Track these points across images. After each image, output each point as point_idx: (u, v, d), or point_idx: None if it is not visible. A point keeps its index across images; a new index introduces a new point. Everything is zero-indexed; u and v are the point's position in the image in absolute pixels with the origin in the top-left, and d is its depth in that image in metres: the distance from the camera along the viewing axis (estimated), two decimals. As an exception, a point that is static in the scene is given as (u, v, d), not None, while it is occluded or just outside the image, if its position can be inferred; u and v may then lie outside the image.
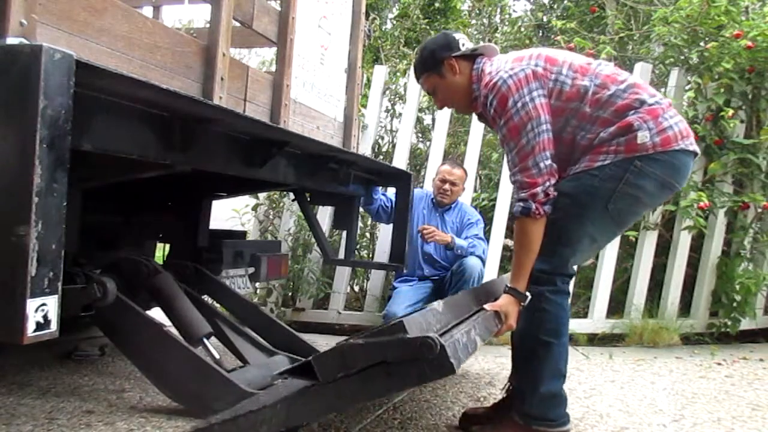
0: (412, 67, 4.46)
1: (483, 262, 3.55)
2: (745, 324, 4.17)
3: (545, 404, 1.88)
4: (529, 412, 1.89)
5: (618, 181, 1.78)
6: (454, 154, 4.83)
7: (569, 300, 1.94)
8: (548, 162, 1.79)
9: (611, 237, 2.10)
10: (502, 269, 4.39)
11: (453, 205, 3.71)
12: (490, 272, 4.06)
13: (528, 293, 1.83)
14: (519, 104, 1.78)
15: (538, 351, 1.84)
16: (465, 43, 2.02)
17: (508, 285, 1.85)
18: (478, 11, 6.39)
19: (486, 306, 1.80)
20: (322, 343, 3.43)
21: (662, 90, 4.47)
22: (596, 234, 1.91)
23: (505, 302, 1.82)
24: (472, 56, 1.99)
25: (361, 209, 3.51)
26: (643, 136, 1.75)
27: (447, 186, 3.60)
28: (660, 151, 1.77)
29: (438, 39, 2.09)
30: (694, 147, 1.86)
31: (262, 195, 4.27)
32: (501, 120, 1.82)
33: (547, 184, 1.79)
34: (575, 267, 2.02)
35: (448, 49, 1.99)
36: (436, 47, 2.04)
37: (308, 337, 2.91)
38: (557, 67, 1.84)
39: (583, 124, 1.83)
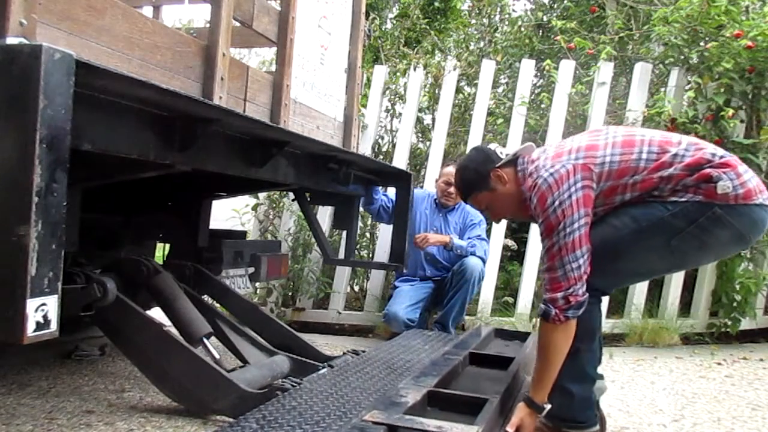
0: (411, 67, 4.50)
1: (484, 261, 3.55)
2: (745, 324, 4.17)
3: (574, 407, 1.87)
4: (557, 415, 1.88)
5: (690, 223, 1.71)
6: (454, 155, 4.83)
7: (601, 310, 1.89)
8: (576, 264, 1.71)
9: (665, 272, 2.06)
10: (502, 269, 4.40)
11: (456, 206, 3.70)
12: (491, 272, 4.07)
13: (545, 405, 1.78)
14: (557, 203, 1.73)
15: (567, 357, 1.79)
16: (501, 151, 2.00)
17: (527, 394, 1.81)
18: (478, 11, 6.39)
19: (507, 429, 1.75)
20: (322, 342, 3.43)
21: (662, 90, 4.48)
22: (647, 265, 1.86)
23: (521, 415, 1.77)
24: (513, 161, 1.97)
25: (361, 209, 3.51)
26: (724, 186, 1.68)
27: (452, 189, 3.57)
28: (742, 204, 1.70)
29: (475, 156, 2.07)
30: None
31: (262, 195, 4.27)
32: (540, 219, 1.78)
33: (572, 290, 1.71)
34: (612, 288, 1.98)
35: (490, 161, 1.97)
36: (478, 164, 2.01)
37: (308, 337, 2.91)
38: (600, 151, 1.79)
39: (648, 190, 1.76)
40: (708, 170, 1.70)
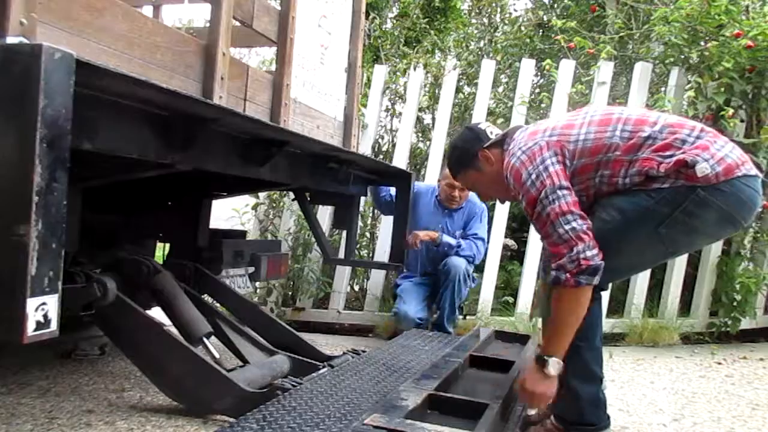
0: (411, 67, 4.50)
1: (470, 261, 3.51)
2: (745, 323, 4.17)
3: (584, 409, 1.84)
4: (566, 416, 1.87)
5: (675, 207, 1.69)
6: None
7: (601, 307, 1.87)
8: (570, 226, 1.67)
9: (659, 260, 2.02)
10: (502, 268, 4.40)
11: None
12: (490, 271, 4.07)
13: (551, 359, 1.72)
14: (533, 176, 1.73)
15: (568, 356, 1.77)
16: (492, 131, 2.00)
17: (538, 353, 1.78)
18: (478, 10, 6.39)
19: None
20: (322, 342, 3.43)
21: (662, 90, 4.48)
22: (639, 255, 1.84)
23: (528, 374, 1.77)
24: (501, 142, 1.97)
25: (361, 208, 3.51)
26: (702, 168, 1.65)
27: (456, 193, 3.50)
28: (723, 181, 1.66)
29: (465, 135, 2.08)
30: (753, 171, 1.73)
31: (262, 194, 4.27)
32: (521, 195, 1.78)
33: (575, 251, 1.65)
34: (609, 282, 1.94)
35: (479, 141, 1.98)
36: (466, 143, 2.03)
37: (308, 337, 2.91)
38: (575, 130, 1.79)
39: (620, 170, 1.74)
40: (681, 156, 1.67)
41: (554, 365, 1.71)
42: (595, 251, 1.66)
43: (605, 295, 3.99)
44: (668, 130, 1.73)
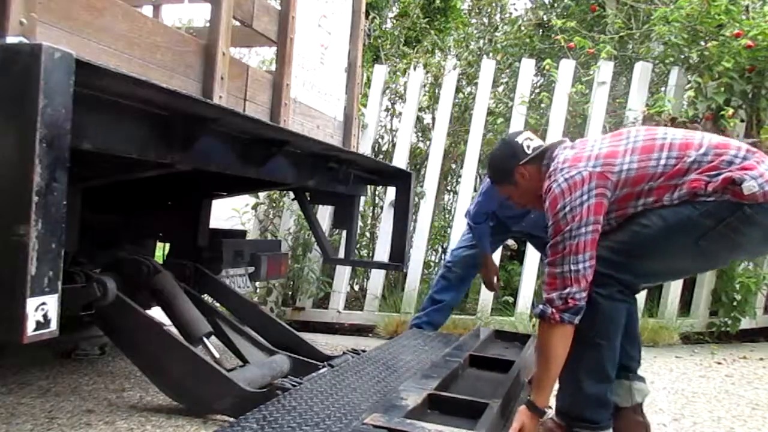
0: (411, 67, 4.50)
1: None
2: (745, 323, 4.17)
3: (589, 407, 1.84)
4: (570, 413, 1.86)
5: (719, 222, 1.69)
6: (454, 154, 4.83)
7: (627, 307, 1.86)
8: (576, 267, 1.70)
9: (696, 271, 2.01)
10: (502, 268, 4.39)
11: None
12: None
13: (546, 409, 1.78)
14: (567, 208, 1.74)
15: (586, 351, 1.79)
16: (530, 144, 1.99)
17: (528, 397, 1.80)
18: (478, 10, 6.39)
19: None
20: (322, 342, 3.43)
21: (662, 89, 4.48)
22: (676, 263, 1.84)
23: (523, 419, 1.76)
24: (540, 156, 1.97)
25: (361, 208, 3.50)
26: (750, 187, 1.65)
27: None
28: None
29: (503, 149, 2.09)
30: None
31: (262, 194, 4.27)
32: (550, 221, 1.79)
33: (568, 291, 1.70)
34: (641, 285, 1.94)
35: (515, 158, 1.98)
36: (503, 160, 2.04)
37: (308, 336, 2.91)
38: (618, 159, 1.78)
39: (665, 195, 1.75)
40: (728, 174, 1.68)
41: (547, 414, 1.78)
42: (584, 294, 1.72)
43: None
44: (714, 152, 1.73)
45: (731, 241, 1.73)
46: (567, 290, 1.71)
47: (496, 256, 4.11)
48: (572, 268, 1.71)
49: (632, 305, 1.93)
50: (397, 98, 4.78)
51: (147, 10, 3.17)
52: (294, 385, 1.98)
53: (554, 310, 1.72)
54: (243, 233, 3.56)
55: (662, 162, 1.75)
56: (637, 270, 1.80)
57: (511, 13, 6.26)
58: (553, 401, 1.90)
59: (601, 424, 1.85)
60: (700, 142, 1.77)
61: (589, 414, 1.85)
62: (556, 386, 1.86)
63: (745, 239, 1.74)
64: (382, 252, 4.08)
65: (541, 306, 1.76)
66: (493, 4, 6.18)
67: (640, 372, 2.03)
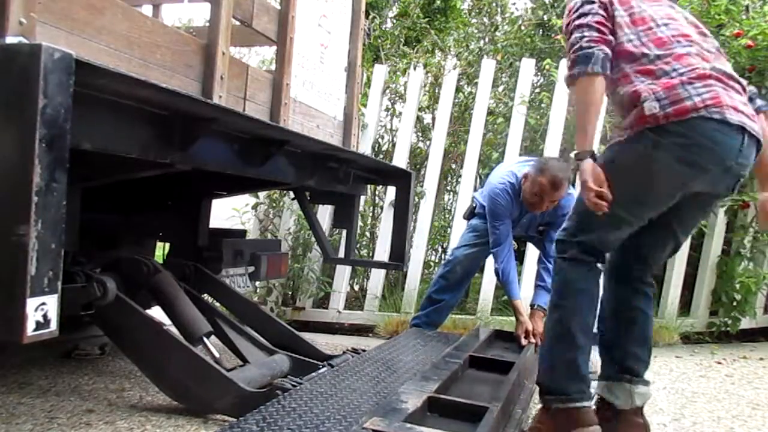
0: (411, 66, 4.49)
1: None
2: (745, 323, 4.17)
3: (559, 376, 1.79)
4: (542, 384, 1.85)
5: (634, 154, 1.71)
6: (454, 154, 4.82)
7: (590, 273, 1.83)
8: (579, 22, 1.79)
9: (637, 214, 1.81)
10: (502, 268, 4.38)
11: None
12: (490, 271, 4.05)
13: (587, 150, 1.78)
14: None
15: (551, 315, 1.81)
16: None
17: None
18: (478, 10, 6.39)
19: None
20: (322, 342, 3.43)
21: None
22: (618, 210, 1.75)
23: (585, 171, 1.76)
24: None
25: (361, 207, 3.49)
26: (651, 107, 1.65)
27: (546, 205, 2.94)
28: (674, 122, 1.62)
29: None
30: (728, 116, 1.62)
31: (262, 194, 4.27)
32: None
33: (572, 42, 1.78)
34: (603, 245, 1.88)
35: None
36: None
37: (308, 336, 2.91)
38: (624, 6, 1.85)
39: (622, 81, 1.80)
40: (640, 87, 1.70)
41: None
42: (590, 42, 1.76)
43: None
44: (666, 59, 1.75)
45: (649, 170, 1.72)
46: (572, 45, 1.78)
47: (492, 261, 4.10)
48: (576, 23, 1.79)
49: (596, 273, 1.86)
50: (397, 98, 4.78)
51: (147, 10, 3.16)
52: (294, 385, 1.98)
53: (568, 74, 1.79)
54: (243, 233, 3.56)
55: (635, 40, 1.80)
56: (589, 227, 1.82)
57: (511, 13, 6.26)
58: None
59: (570, 396, 1.78)
60: (673, 46, 1.77)
61: (557, 384, 1.80)
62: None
63: (657, 164, 1.70)
64: (382, 252, 4.08)
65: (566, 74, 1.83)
66: (494, 4, 6.18)
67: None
